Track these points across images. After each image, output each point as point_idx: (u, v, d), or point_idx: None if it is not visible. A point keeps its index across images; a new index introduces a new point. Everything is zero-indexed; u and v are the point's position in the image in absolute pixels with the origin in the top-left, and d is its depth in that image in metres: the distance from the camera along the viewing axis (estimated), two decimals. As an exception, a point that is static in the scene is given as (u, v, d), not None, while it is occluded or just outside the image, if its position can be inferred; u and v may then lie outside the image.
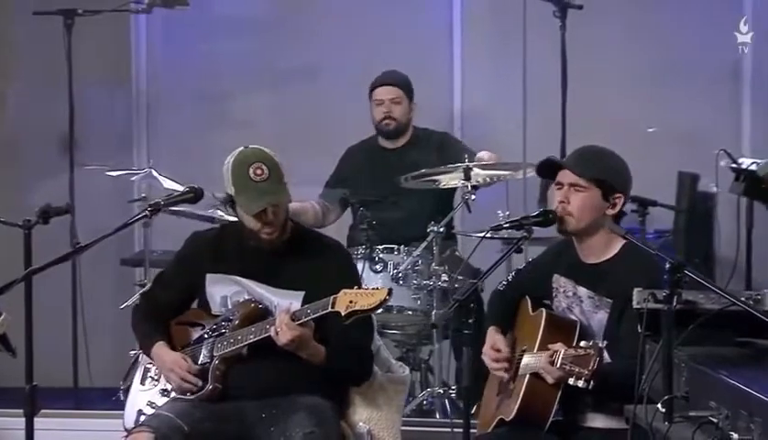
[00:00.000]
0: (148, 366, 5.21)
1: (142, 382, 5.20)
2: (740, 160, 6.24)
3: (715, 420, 3.43)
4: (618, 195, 4.49)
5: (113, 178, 7.41)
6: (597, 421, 4.46)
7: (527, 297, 4.71)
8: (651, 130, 8.05)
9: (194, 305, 5.21)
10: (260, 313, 4.92)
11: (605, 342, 4.32)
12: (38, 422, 4.88)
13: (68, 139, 7.71)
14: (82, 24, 7.68)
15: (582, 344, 4.25)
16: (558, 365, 4.23)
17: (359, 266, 6.34)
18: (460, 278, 6.45)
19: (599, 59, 8.47)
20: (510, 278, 4.85)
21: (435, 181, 6.79)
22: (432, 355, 6.92)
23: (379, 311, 4.65)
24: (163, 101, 8.70)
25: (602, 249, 4.52)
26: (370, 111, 7.29)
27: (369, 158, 7.34)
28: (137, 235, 8.07)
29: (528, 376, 4.43)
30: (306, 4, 8.73)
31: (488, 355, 4.59)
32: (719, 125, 8.61)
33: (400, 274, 6.63)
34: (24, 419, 4.82)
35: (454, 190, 7.03)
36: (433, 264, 6.64)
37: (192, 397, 4.94)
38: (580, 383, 4.14)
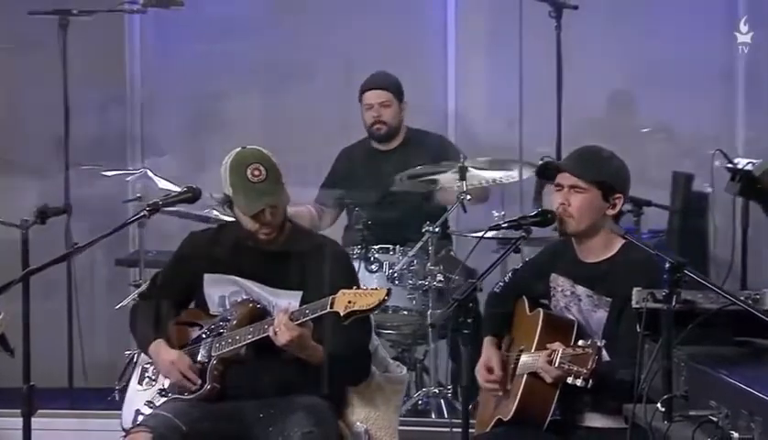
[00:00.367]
0: (146, 366, 5.21)
1: (140, 382, 5.20)
2: (736, 160, 6.25)
3: (715, 419, 3.44)
4: (617, 196, 4.52)
5: (107, 178, 7.39)
6: (596, 420, 4.46)
7: (524, 297, 4.71)
8: (645, 130, 8.07)
9: (192, 305, 5.20)
10: (258, 313, 4.92)
11: (603, 341, 4.32)
12: (35, 422, 4.87)
13: (63, 140, 7.68)
14: (76, 24, 7.64)
15: (580, 343, 4.26)
16: (556, 364, 4.23)
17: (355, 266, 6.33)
18: (456, 278, 6.44)
19: (594, 59, 8.48)
20: (506, 279, 4.87)
21: (433, 181, 6.80)
22: (427, 355, 6.93)
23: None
24: (157, 101, 8.69)
25: (601, 249, 4.54)
26: (361, 114, 7.29)
27: (363, 159, 7.34)
28: (131, 235, 8.06)
29: (526, 375, 4.43)
30: (300, 4, 8.72)
31: (480, 374, 4.62)
32: (714, 124, 8.66)
33: (396, 274, 6.64)
34: (21, 419, 4.80)
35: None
36: (429, 264, 6.65)
37: (190, 396, 4.94)
38: (578, 382, 4.14)
